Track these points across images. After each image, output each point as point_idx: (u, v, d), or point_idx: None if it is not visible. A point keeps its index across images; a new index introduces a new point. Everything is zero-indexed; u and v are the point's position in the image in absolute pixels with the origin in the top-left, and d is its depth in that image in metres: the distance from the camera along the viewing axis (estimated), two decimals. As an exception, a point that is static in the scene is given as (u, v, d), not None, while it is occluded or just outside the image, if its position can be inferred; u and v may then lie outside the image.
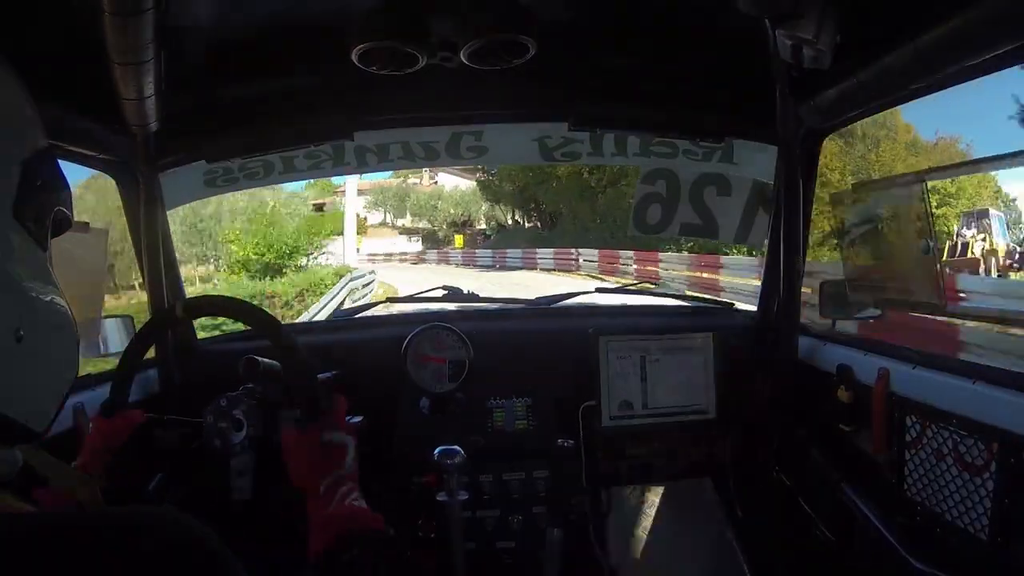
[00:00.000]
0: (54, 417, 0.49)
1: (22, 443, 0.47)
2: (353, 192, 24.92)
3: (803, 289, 1.60)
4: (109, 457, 0.91)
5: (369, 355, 1.56)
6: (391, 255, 28.76)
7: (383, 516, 0.76)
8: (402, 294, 1.98)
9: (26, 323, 0.45)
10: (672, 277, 12.23)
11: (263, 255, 18.44)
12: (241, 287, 13.92)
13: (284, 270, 17.88)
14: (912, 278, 1.34)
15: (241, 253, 18.59)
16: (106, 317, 1.47)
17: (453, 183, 32.03)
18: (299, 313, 11.58)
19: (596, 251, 16.43)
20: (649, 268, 13.49)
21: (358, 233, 26.41)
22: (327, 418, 0.83)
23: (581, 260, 16.81)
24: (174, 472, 1.15)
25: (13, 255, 0.45)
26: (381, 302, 2.00)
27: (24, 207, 0.46)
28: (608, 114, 1.54)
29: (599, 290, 2.13)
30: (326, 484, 0.76)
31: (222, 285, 16.97)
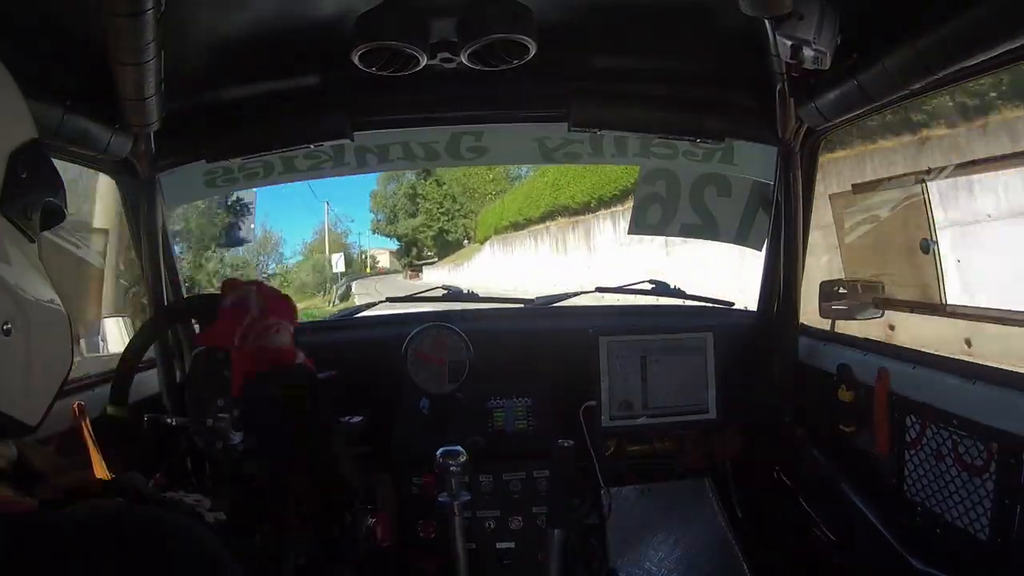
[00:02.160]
0: (46, 411, 0.49)
1: (14, 437, 0.47)
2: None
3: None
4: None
5: (369, 355, 1.56)
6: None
7: (295, 350, 0.80)
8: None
9: (14, 317, 0.44)
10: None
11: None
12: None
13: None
14: (912, 278, 1.35)
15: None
16: (106, 317, 1.48)
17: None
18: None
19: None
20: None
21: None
22: (223, 291, 0.87)
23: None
24: (174, 472, 1.15)
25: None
26: (381, 302, 2.00)
27: (9, 200, 0.46)
28: (608, 115, 1.53)
29: (599, 289, 2.13)
30: (238, 336, 0.80)
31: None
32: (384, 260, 36.76)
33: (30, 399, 0.47)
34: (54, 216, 0.53)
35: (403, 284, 19.64)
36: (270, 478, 0.81)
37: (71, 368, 0.52)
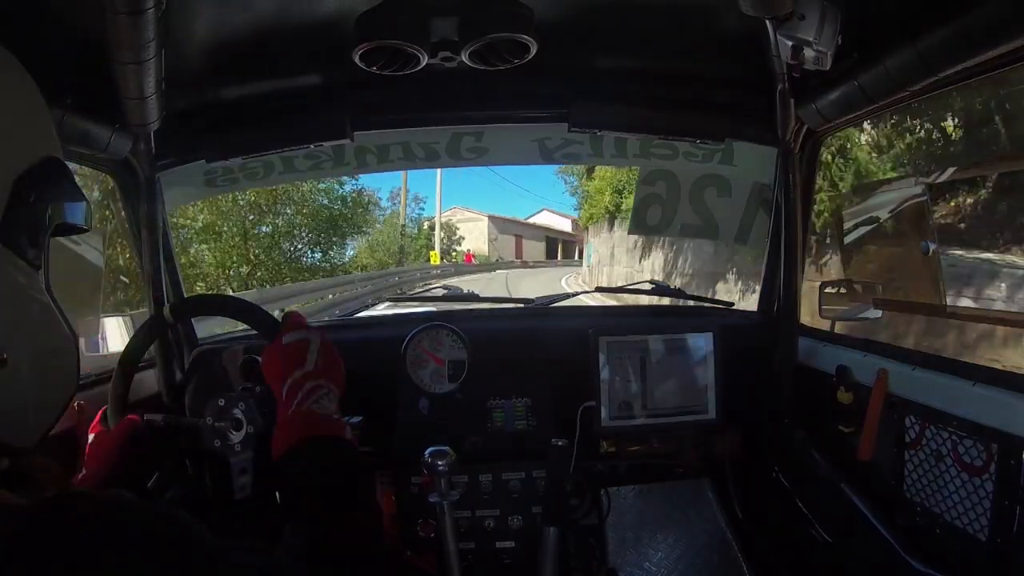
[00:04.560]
0: (45, 433, 0.48)
1: (6, 456, 0.46)
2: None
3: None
4: (108, 469, 0.89)
5: (369, 355, 1.55)
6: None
7: (344, 424, 0.74)
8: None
9: (11, 346, 0.43)
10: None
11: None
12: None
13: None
14: (912, 279, 1.35)
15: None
16: (105, 316, 1.48)
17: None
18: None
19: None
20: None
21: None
22: (287, 324, 0.82)
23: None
24: (173, 471, 1.15)
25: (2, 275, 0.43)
26: (380, 301, 2.00)
27: (13, 228, 0.44)
28: (608, 115, 1.53)
29: (599, 289, 2.13)
30: (287, 386, 0.74)
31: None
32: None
33: (26, 425, 0.46)
34: (70, 231, 0.51)
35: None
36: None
37: (74, 395, 0.51)
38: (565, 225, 40.14)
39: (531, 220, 41.23)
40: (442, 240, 30.01)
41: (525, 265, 30.37)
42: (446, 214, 32.60)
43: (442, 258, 26.22)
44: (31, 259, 0.46)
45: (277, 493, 0.82)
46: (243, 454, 0.94)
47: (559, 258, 38.16)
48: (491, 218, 36.34)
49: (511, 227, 38.27)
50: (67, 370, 0.50)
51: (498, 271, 24.77)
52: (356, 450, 0.76)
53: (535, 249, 38.81)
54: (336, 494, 0.66)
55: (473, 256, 30.02)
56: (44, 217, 0.47)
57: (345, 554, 0.65)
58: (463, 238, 33.57)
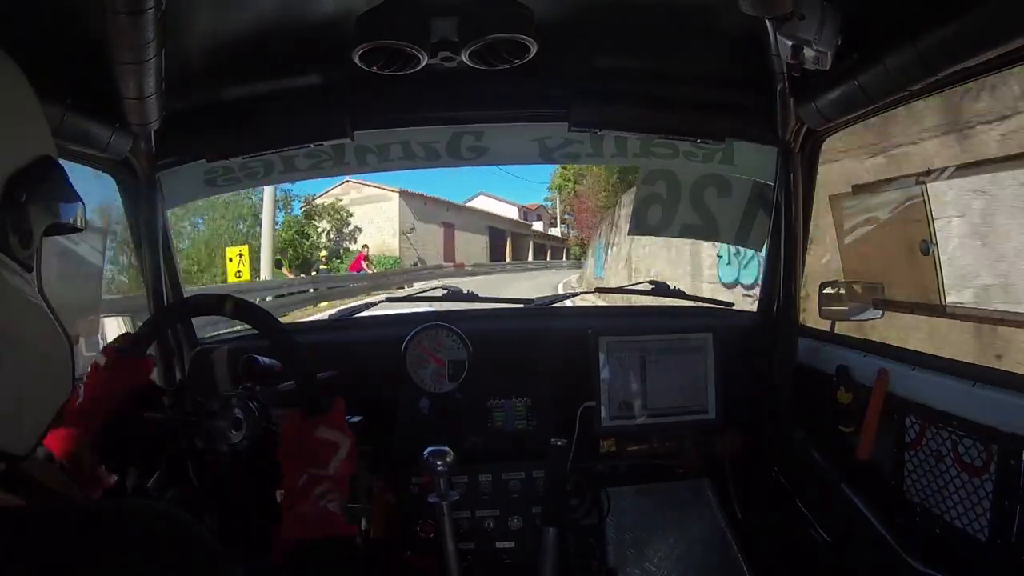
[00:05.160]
0: (38, 440, 0.47)
1: (3, 461, 0.45)
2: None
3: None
4: (111, 407, 0.87)
5: (369, 355, 1.56)
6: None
7: (355, 527, 0.76)
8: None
9: (2, 351, 0.42)
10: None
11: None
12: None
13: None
14: (911, 279, 1.34)
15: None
16: (105, 316, 1.48)
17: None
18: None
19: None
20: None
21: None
22: (327, 416, 0.82)
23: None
24: (173, 471, 1.15)
25: None
26: (380, 301, 2.00)
27: (3, 229, 0.43)
28: (608, 115, 1.53)
29: (599, 290, 2.13)
30: (306, 478, 0.74)
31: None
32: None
33: (20, 431, 0.45)
34: (64, 230, 0.50)
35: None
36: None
37: (68, 399, 0.50)
38: (511, 212, 31.72)
39: (468, 205, 29.75)
40: (328, 235, 20.61)
41: (461, 270, 19.86)
42: (334, 190, 21.72)
43: (304, 268, 16.64)
44: (23, 260, 0.45)
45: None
46: (243, 454, 0.94)
47: (508, 260, 28.01)
48: (404, 195, 23.52)
49: (437, 212, 25.52)
50: (61, 375, 0.49)
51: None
52: (359, 551, 0.77)
53: (474, 245, 26.91)
54: None
55: (368, 259, 17.49)
56: (36, 218, 0.46)
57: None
58: (359, 229, 22.04)
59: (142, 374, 0.93)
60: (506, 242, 30.09)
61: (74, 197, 0.50)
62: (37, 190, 0.46)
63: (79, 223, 0.51)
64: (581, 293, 2.10)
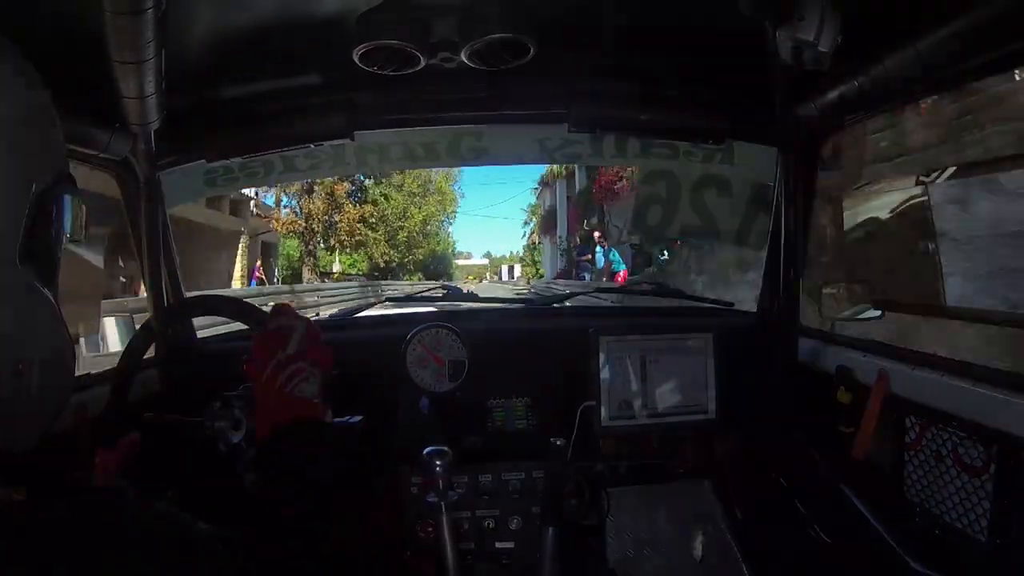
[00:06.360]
0: (40, 435, 0.49)
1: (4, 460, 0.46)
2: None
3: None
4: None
5: (369, 355, 1.56)
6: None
7: (325, 407, 0.79)
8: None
9: (26, 359, 0.44)
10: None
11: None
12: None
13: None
14: (911, 279, 1.35)
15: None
16: (105, 316, 1.48)
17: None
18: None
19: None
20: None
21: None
22: (273, 312, 0.86)
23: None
24: (173, 471, 1.15)
25: (19, 293, 0.44)
26: (380, 301, 2.00)
27: (32, 247, 0.44)
28: (608, 115, 1.53)
29: (599, 290, 2.14)
30: (270, 368, 0.77)
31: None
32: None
33: (28, 431, 0.46)
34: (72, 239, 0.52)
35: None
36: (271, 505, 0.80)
37: (68, 400, 0.52)
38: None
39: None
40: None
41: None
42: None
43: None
44: (47, 277, 0.47)
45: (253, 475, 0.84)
46: (245, 453, 0.94)
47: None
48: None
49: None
50: (67, 377, 0.51)
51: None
52: (332, 432, 0.80)
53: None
54: (315, 476, 0.71)
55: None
56: (59, 234, 0.48)
57: (320, 537, 0.68)
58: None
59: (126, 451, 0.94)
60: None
61: (81, 208, 0.52)
62: (61, 208, 0.48)
63: (83, 234, 0.53)
64: (581, 293, 2.10)
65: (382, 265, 27.55)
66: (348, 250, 26.69)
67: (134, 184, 1.47)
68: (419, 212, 28.09)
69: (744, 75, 1.39)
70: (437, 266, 33.54)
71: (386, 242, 27.34)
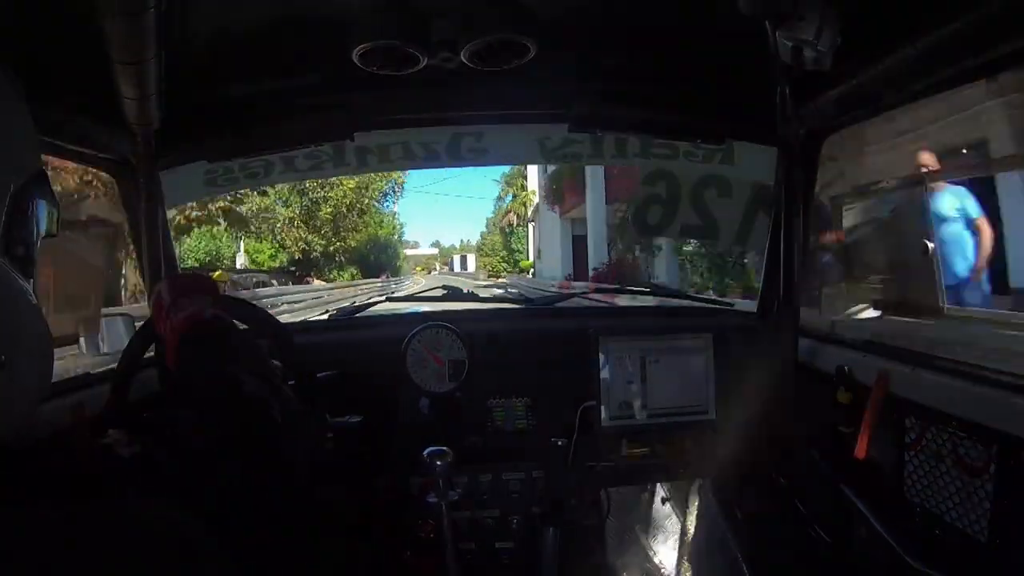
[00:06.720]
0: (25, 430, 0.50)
1: None
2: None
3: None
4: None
5: (369, 355, 1.56)
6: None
7: (201, 305, 0.86)
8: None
9: (9, 350, 0.45)
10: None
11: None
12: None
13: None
14: (911, 279, 1.35)
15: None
16: (105, 316, 1.48)
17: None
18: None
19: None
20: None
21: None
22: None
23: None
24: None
25: (2, 288, 0.45)
26: (380, 301, 2.00)
27: (11, 241, 0.46)
28: (608, 115, 1.53)
29: (599, 289, 2.14)
30: (162, 324, 0.87)
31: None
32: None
33: (12, 424, 0.47)
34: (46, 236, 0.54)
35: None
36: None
37: (48, 393, 0.54)
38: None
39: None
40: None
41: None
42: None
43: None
44: (26, 271, 0.48)
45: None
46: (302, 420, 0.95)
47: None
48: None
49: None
50: (45, 369, 0.52)
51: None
52: (223, 321, 0.87)
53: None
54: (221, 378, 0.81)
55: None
56: (36, 229, 0.49)
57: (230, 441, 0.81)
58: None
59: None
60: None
61: (56, 205, 0.53)
62: (37, 204, 0.49)
63: (55, 231, 0.54)
64: (581, 293, 2.10)
65: (298, 257, 21.15)
66: (253, 238, 19.92)
67: (134, 184, 1.47)
68: (348, 179, 19.41)
69: (744, 75, 1.39)
70: (379, 256, 26.45)
71: (303, 223, 20.44)
